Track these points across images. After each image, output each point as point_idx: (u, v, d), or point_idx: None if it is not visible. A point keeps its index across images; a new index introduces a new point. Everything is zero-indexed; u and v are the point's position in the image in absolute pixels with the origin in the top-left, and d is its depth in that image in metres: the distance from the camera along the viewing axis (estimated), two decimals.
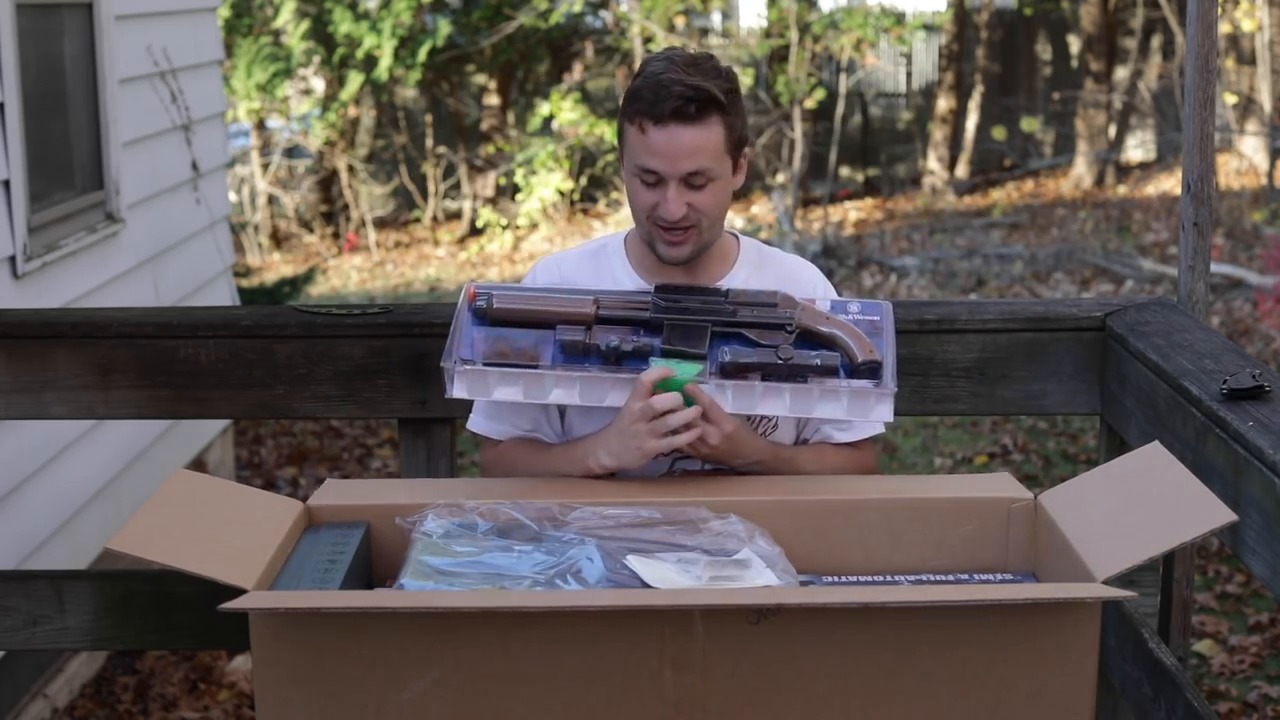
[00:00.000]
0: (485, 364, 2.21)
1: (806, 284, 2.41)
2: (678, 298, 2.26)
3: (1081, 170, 14.95)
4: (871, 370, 2.22)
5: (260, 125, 13.19)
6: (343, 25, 12.64)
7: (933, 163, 14.99)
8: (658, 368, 2.18)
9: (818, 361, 2.21)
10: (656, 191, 2.25)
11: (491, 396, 2.23)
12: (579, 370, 2.20)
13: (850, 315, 2.28)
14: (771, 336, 2.24)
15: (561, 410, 2.36)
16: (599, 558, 1.92)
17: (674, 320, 2.23)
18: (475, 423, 2.42)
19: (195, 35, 6.26)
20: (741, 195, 13.33)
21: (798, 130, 12.60)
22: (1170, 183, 14.15)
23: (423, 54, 12.76)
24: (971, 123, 15.69)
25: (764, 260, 2.43)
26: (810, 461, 2.35)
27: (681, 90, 2.21)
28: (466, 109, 14.38)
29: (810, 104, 12.60)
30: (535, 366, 2.21)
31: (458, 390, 2.21)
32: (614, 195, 13.66)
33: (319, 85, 13.95)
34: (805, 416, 2.30)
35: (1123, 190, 14.48)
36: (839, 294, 2.45)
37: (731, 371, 2.21)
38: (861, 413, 2.24)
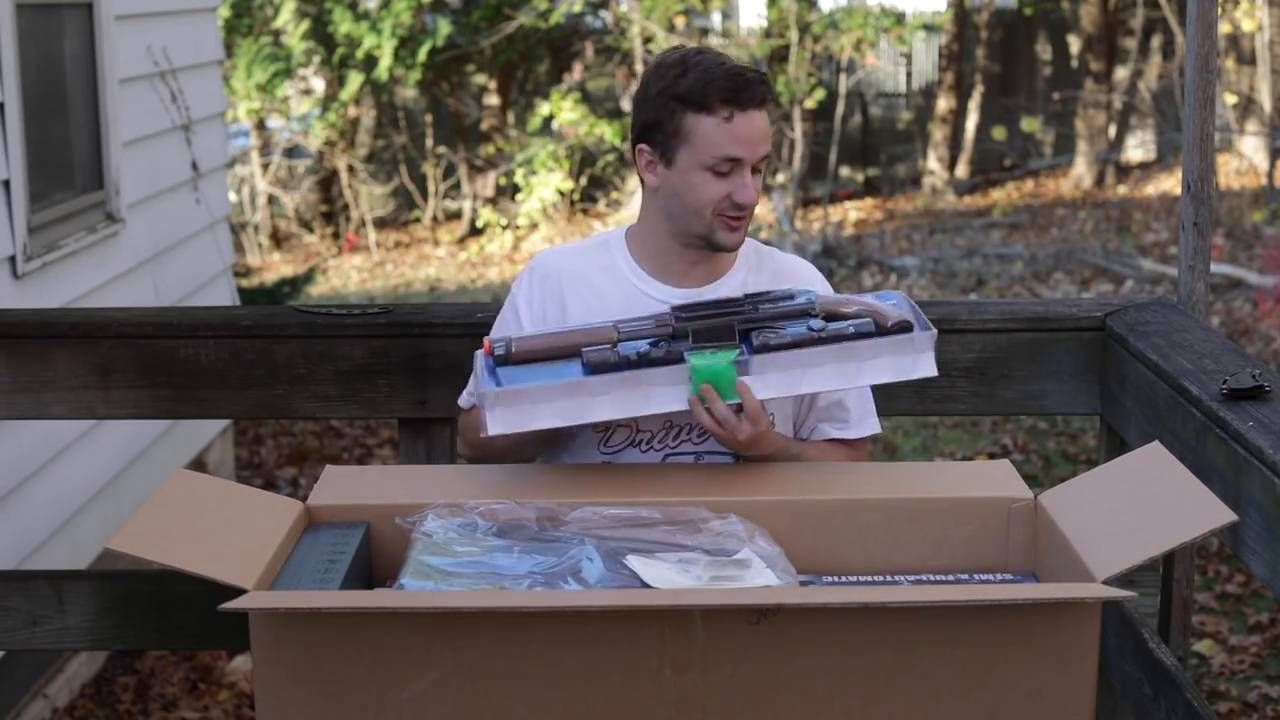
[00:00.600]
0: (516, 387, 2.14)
1: (804, 283, 2.41)
2: (696, 309, 2.23)
3: (1081, 170, 14.95)
4: (903, 328, 2.18)
5: (260, 125, 13.19)
6: (343, 25, 12.64)
7: (933, 163, 14.99)
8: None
9: (851, 329, 2.17)
10: (730, 180, 2.26)
11: (530, 427, 2.14)
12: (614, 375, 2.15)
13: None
14: (798, 322, 2.21)
15: None
16: (599, 558, 1.92)
17: (699, 326, 2.20)
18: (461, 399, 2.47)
19: (195, 35, 6.26)
20: None
21: (798, 130, 12.60)
22: (1170, 183, 14.15)
23: (423, 54, 12.76)
24: (971, 123, 15.70)
25: (762, 259, 2.44)
26: (815, 458, 2.37)
27: (756, 77, 2.26)
28: (466, 109, 14.38)
29: (810, 104, 12.60)
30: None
31: (494, 427, 2.12)
32: (614, 195, 13.66)
33: (319, 85, 13.95)
34: (854, 386, 2.26)
35: (1123, 190, 14.48)
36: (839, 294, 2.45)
37: (768, 351, 2.16)
38: (908, 367, 2.17)
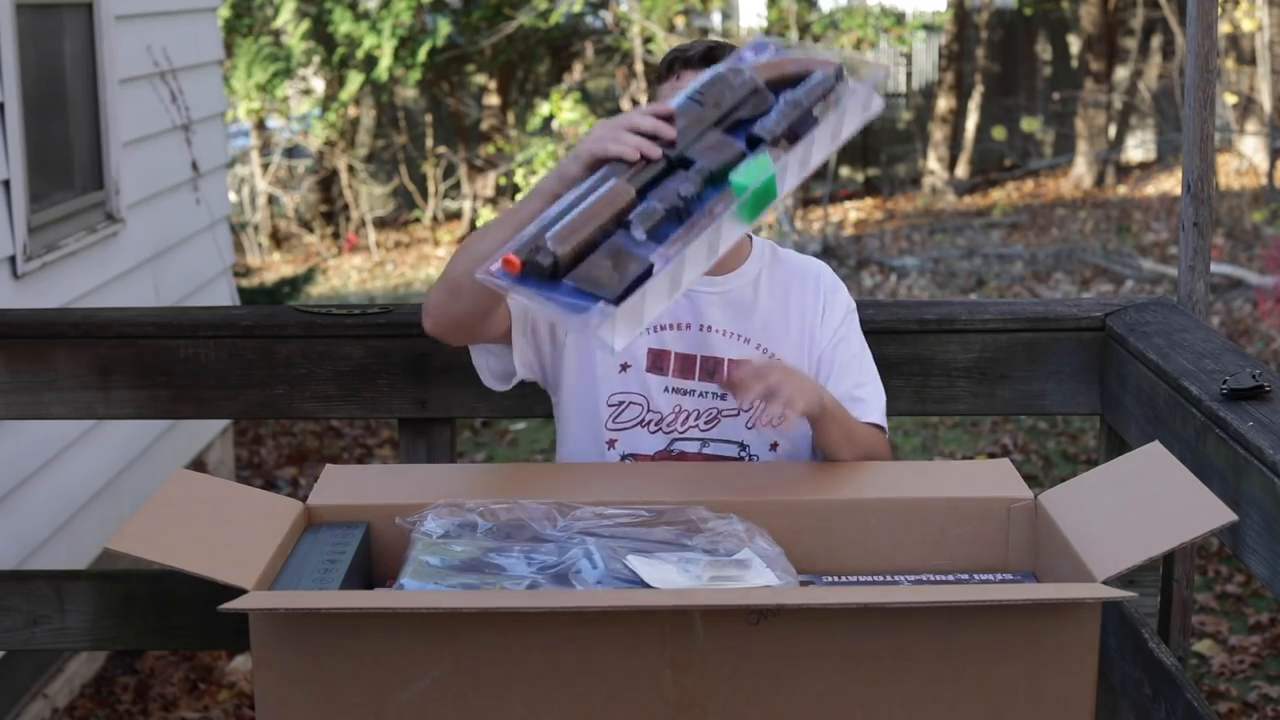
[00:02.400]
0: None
1: (812, 278, 2.43)
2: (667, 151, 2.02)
3: (1081, 170, 14.95)
4: (840, 75, 2.04)
5: (260, 125, 13.18)
6: (343, 25, 12.64)
7: (933, 163, 14.99)
8: None
9: (804, 99, 2.02)
10: None
11: (645, 323, 1.90)
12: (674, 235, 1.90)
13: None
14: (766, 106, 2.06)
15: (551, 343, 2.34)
16: (599, 558, 1.92)
17: (695, 149, 2.00)
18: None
19: (195, 35, 6.26)
20: None
21: None
22: (1170, 183, 14.15)
23: (423, 54, 12.76)
24: (971, 123, 15.69)
25: (776, 258, 2.45)
26: (855, 425, 2.32)
27: (713, 40, 2.35)
28: (466, 109, 14.38)
29: None
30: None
31: (620, 340, 1.85)
32: None
33: (319, 85, 13.95)
34: (839, 144, 2.10)
35: (1123, 190, 14.47)
36: None
37: (777, 146, 1.99)
38: (867, 105, 2.05)
